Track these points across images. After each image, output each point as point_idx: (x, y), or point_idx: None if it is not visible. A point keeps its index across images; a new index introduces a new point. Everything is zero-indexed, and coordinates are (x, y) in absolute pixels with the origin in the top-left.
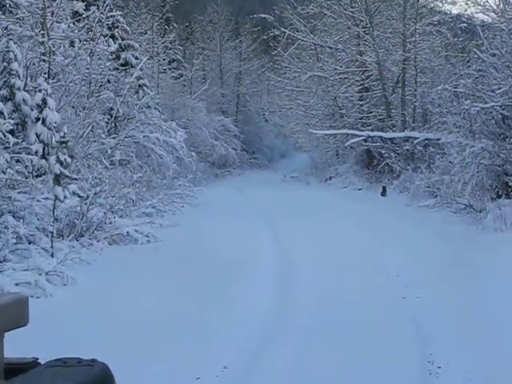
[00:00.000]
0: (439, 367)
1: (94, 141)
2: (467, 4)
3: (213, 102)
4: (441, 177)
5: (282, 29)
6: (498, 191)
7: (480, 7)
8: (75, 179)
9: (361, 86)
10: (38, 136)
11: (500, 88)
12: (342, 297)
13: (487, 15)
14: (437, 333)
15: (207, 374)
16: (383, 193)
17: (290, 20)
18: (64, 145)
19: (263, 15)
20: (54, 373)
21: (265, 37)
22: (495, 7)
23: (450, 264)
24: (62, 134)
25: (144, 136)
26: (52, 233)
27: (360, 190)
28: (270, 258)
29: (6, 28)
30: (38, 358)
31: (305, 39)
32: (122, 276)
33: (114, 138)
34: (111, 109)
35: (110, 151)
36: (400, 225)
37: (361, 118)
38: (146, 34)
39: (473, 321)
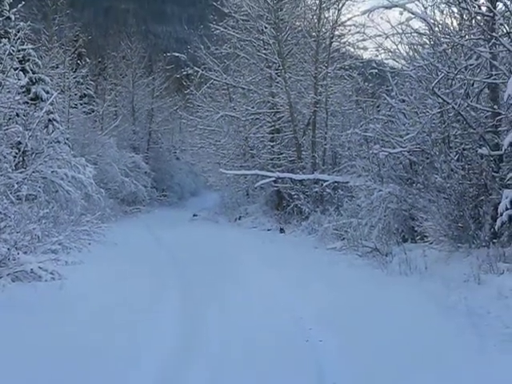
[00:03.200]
0: None
1: (1, 175)
2: (378, 50)
3: (124, 138)
4: (349, 220)
5: (195, 68)
6: (404, 235)
7: (390, 54)
8: None
9: (272, 127)
10: None
11: (408, 134)
12: (246, 338)
13: (397, 62)
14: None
15: None
16: (281, 231)
17: (204, 59)
18: None
19: (177, 54)
20: None
21: (178, 75)
22: (405, 54)
23: (354, 307)
24: None
25: (52, 171)
26: None
27: (269, 230)
28: (173, 302)
29: None
30: None
31: (217, 79)
32: (22, 315)
33: (21, 173)
34: (19, 143)
35: (16, 186)
36: (306, 267)
37: (271, 159)
38: (57, 68)
39: (374, 363)
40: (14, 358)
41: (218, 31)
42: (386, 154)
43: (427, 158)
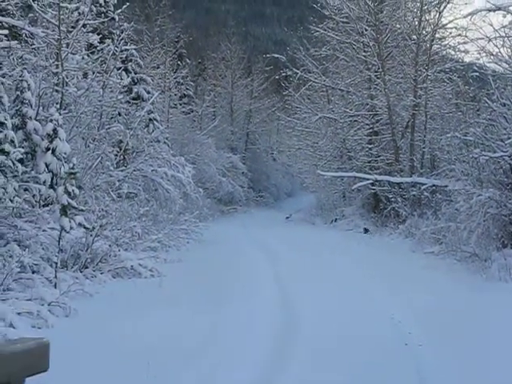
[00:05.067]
0: None
1: (103, 173)
2: (479, 53)
3: (222, 138)
4: (447, 224)
5: (294, 69)
6: (503, 241)
7: (492, 57)
8: (82, 210)
9: (370, 130)
10: (47, 166)
11: (509, 138)
12: (344, 338)
13: (499, 65)
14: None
15: None
16: (365, 232)
17: (303, 61)
18: (73, 176)
19: (276, 55)
20: None
21: (276, 76)
22: (507, 58)
23: (453, 312)
24: (71, 165)
25: (152, 170)
26: (56, 263)
27: (366, 232)
28: (271, 299)
29: (20, 57)
30: None
31: (316, 81)
32: (124, 310)
33: (122, 171)
34: (121, 141)
35: (117, 184)
36: (404, 271)
37: (369, 162)
38: (158, 68)
39: (475, 369)
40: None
41: (317, 33)
42: (487, 158)
43: None
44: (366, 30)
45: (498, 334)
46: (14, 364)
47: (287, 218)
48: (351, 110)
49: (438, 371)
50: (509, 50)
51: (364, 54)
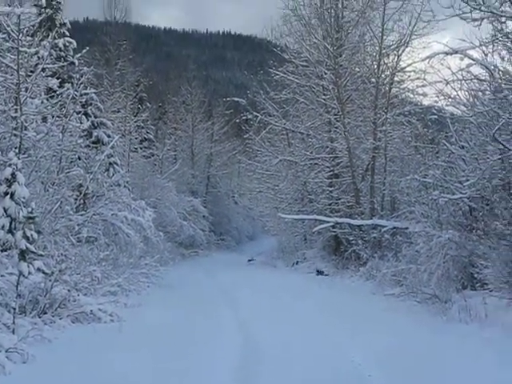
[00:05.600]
0: None
1: (62, 217)
2: (438, 97)
3: (183, 182)
4: (407, 266)
5: (255, 113)
6: (463, 282)
7: (450, 100)
8: (41, 255)
9: (331, 173)
10: (5, 210)
11: (468, 180)
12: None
13: (457, 108)
14: None
15: None
16: (318, 274)
17: (263, 104)
18: (31, 220)
19: (236, 98)
20: None
21: (237, 120)
22: (465, 101)
23: (413, 355)
24: (29, 210)
25: (112, 214)
26: (14, 309)
27: (326, 275)
28: (231, 347)
29: None
30: None
31: (277, 124)
32: (83, 355)
33: (81, 215)
34: (81, 185)
35: (77, 228)
36: (365, 313)
37: (330, 204)
38: (119, 112)
39: None
40: None
41: (277, 76)
42: (446, 200)
43: (487, 205)
44: (326, 73)
45: (457, 376)
46: None
47: (249, 261)
48: (311, 152)
49: None
50: (466, 93)
51: (324, 97)
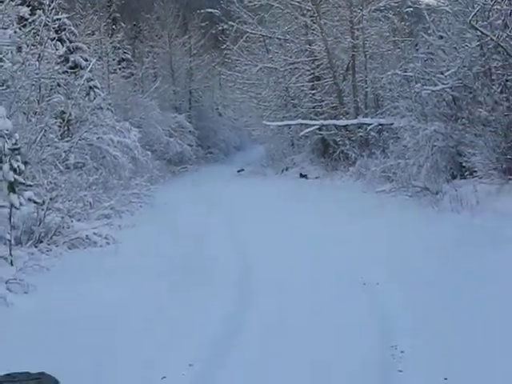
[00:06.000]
0: (402, 352)
1: (48, 145)
2: None
3: (165, 99)
4: (396, 161)
5: (230, 22)
6: (452, 172)
7: None
8: (30, 185)
9: (312, 76)
10: None
11: (449, 70)
12: (310, 277)
13: None
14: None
15: (171, 371)
16: (301, 176)
17: (238, 13)
18: (17, 151)
19: (210, 10)
20: None
21: (213, 31)
22: None
23: (406, 247)
24: (13, 141)
25: (98, 138)
26: (10, 240)
27: (317, 178)
28: (233, 260)
29: None
30: None
31: (253, 31)
32: (82, 280)
33: (67, 142)
34: (63, 112)
35: (64, 155)
36: (357, 211)
37: (314, 107)
38: (93, 35)
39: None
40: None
41: None
42: (429, 91)
43: (470, 93)
44: None
45: (454, 262)
46: None
47: (239, 171)
48: (290, 57)
49: (396, 305)
50: None
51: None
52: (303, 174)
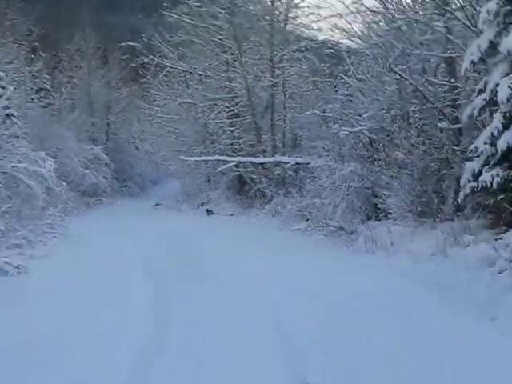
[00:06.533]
0: None
1: None
2: (333, 30)
3: (82, 130)
4: (312, 200)
5: (151, 56)
6: (367, 213)
7: (345, 33)
8: None
9: (231, 113)
10: None
11: (367, 112)
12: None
13: (353, 41)
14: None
15: None
16: (208, 213)
17: (159, 47)
18: None
19: (131, 43)
20: None
21: (134, 64)
22: (360, 33)
23: (322, 285)
24: None
25: (13, 166)
26: None
27: (232, 215)
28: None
29: None
30: None
31: (173, 66)
32: None
33: None
34: None
35: None
36: (271, 249)
37: (232, 144)
38: (12, 63)
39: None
40: None
41: (171, 18)
42: (346, 133)
43: (387, 136)
44: (220, 12)
45: (367, 300)
46: None
47: (156, 205)
48: (210, 93)
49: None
50: (361, 26)
51: (220, 37)
52: (209, 210)
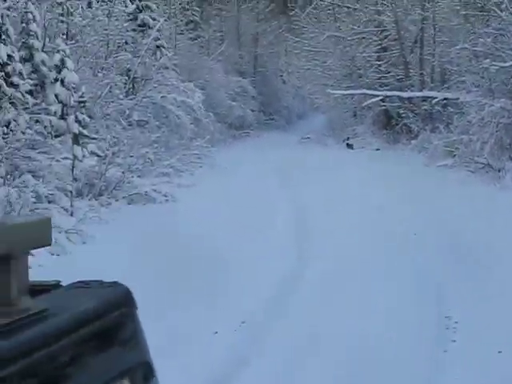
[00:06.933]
0: None
1: (112, 101)
2: None
3: (230, 63)
4: (459, 136)
5: None
6: None
7: None
8: (94, 139)
9: (379, 46)
10: (56, 96)
11: None
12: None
13: None
14: None
15: None
16: (349, 146)
17: None
18: (82, 105)
19: None
20: (77, 293)
21: None
22: None
23: (465, 220)
24: (80, 94)
25: (162, 96)
26: (71, 192)
27: (378, 150)
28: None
29: None
30: (60, 281)
31: None
32: (139, 234)
33: (131, 99)
34: (129, 70)
35: (127, 112)
36: (417, 185)
37: (379, 78)
38: None
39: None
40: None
41: None
42: (497, 67)
43: None
44: None
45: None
46: (15, 236)
47: (302, 139)
48: (358, 27)
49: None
50: None
51: None
52: (349, 143)
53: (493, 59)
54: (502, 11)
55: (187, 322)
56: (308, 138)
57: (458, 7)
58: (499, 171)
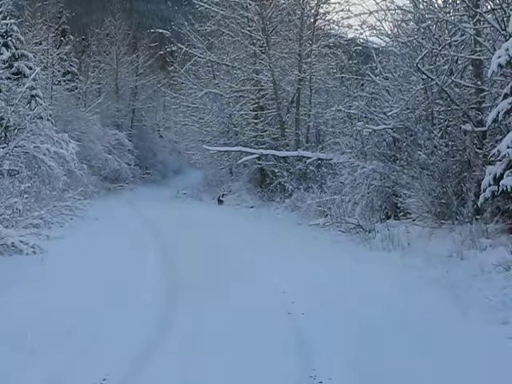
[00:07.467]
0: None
1: None
2: (362, 28)
3: (107, 115)
4: (332, 196)
5: (179, 45)
6: (387, 212)
7: (375, 31)
8: None
9: (256, 105)
10: None
11: (392, 111)
12: (232, 310)
13: (381, 39)
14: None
15: None
16: (220, 202)
17: (188, 36)
18: None
19: (161, 30)
20: None
21: (162, 52)
22: (389, 32)
23: (335, 281)
24: None
25: (35, 146)
26: None
27: (252, 207)
28: (154, 279)
29: None
30: None
31: (201, 56)
32: (3, 287)
33: (3, 148)
34: (2, 118)
35: None
36: (289, 243)
37: (255, 137)
38: (40, 44)
39: (356, 333)
40: None
41: (202, 8)
42: (370, 131)
43: (411, 135)
44: (250, 4)
45: (380, 298)
46: None
47: (177, 194)
48: (237, 85)
49: (318, 336)
50: (390, 24)
51: (249, 28)
52: (220, 199)
53: (366, 122)
54: (375, 76)
55: None
56: (184, 193)
57: (334, 70)
58: (369, 232)
